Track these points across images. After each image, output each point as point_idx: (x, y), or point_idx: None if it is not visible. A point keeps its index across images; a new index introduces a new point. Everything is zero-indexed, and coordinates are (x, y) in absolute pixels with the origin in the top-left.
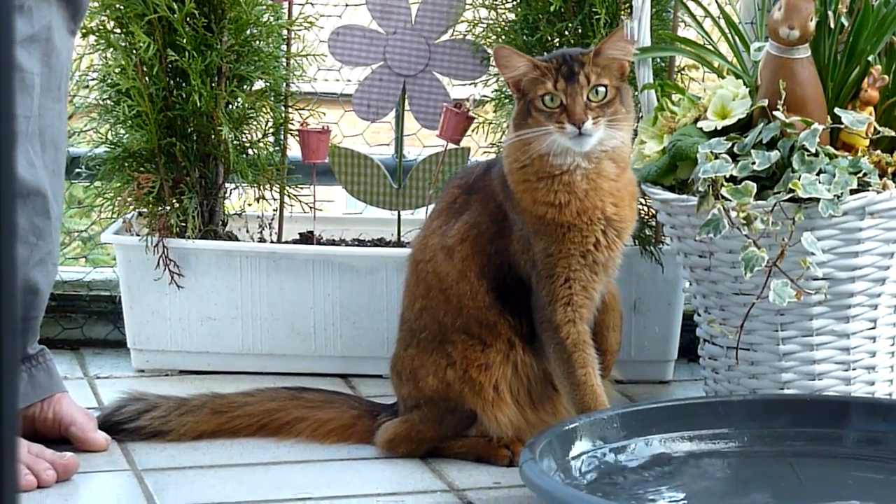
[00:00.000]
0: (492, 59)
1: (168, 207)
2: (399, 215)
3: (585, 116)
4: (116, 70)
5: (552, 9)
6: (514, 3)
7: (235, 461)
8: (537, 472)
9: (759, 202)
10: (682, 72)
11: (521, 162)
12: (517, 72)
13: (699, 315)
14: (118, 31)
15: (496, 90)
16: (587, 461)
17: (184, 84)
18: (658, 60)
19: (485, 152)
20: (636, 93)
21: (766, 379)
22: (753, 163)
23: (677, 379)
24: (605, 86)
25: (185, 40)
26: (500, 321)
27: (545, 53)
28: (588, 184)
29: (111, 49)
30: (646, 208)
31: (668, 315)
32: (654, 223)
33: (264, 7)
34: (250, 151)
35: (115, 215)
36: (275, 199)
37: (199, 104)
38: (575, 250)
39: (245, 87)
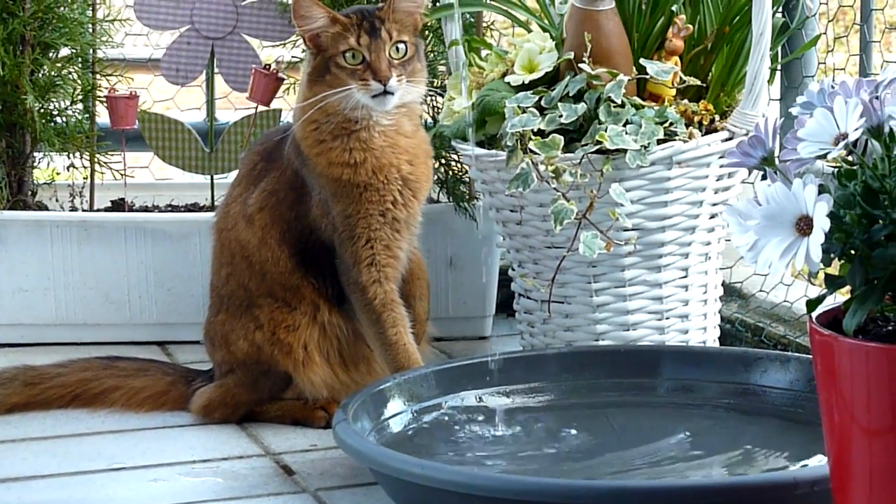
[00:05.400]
0: (291, 10)
1: None
2: (212, 179)
3: (390, 73)
4: None
5: None
6: None
7: (48, 433)
8: (350, 433)
9: (568, 155)
10: (492, 27)
11: (316, 123)
12: (316, 24)
13: (513, 270)
14: None
15: (305, 50)
16: (402, 420)
17: None
18: (467, 16)
19: None
20: (445, 49)
21: (581, 331)
22: (560, 116)
23: (496, 334)
24: (405, 42)
25: None
26: (303, 284)
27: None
28: (385, 140)
29: None
30: (458, 165)
31: (485, 271)
32: (467, 179)
33: None
34: (58, 119)
35: None
36: (85, 167)
37: (2, 73)
38: (374, 210)
39: (51, 54)
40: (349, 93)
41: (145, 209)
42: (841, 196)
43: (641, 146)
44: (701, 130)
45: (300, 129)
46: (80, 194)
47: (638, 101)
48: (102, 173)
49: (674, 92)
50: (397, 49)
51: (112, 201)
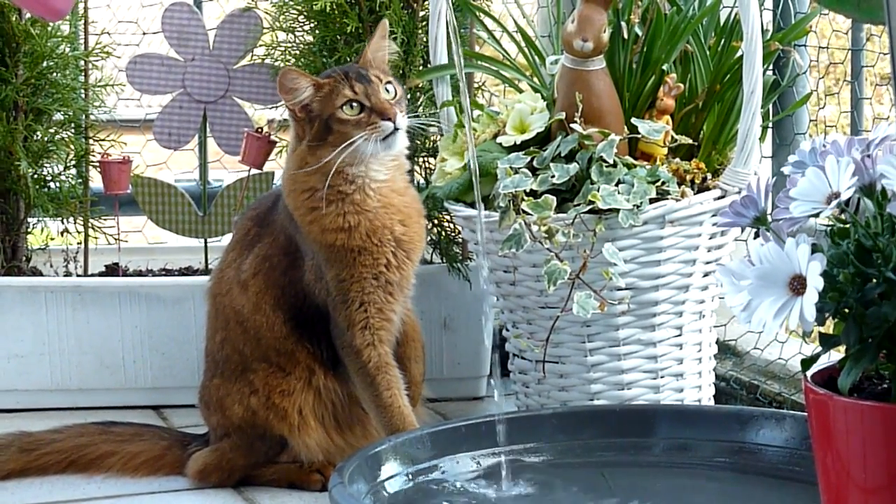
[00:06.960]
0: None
1: None
2: (206, 243)
3: (395, 109)
4: None
5: (349, 29)
6: (312, 25)
7: (44, 499)
8: (346, 497)
9: (560, 215)
10: (483, 87)
11: (311, 190)
12: (304, 94)
13: (507, 330)
14: None
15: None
16: (397, 482)
17: None
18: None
19: None
20: (436, 110)
21: (576, 391)
22: (553, 176)
23: (491, 395)
24: (392, 83)
25: None
26: (297, 349)
27: None
28: (379, 200)
29: None
30: (451, 225)
31: (479, 331)
32: (460, 240)
33: (60, 39)
34: (52, 185)
35: None
36: (79, 232)
37: None
38: (367, 273)
39: (44, 119)
40: (357, 145)
41: (139, 273)
42: (834, 255)
43: (634, 205)
44: (693, 189)
45: (292, 199)
46: (75, 259)
47: (630, 160)
48: (96, 238)
49: (665, 151)
50: (387, 90)
51: (106, 266)
